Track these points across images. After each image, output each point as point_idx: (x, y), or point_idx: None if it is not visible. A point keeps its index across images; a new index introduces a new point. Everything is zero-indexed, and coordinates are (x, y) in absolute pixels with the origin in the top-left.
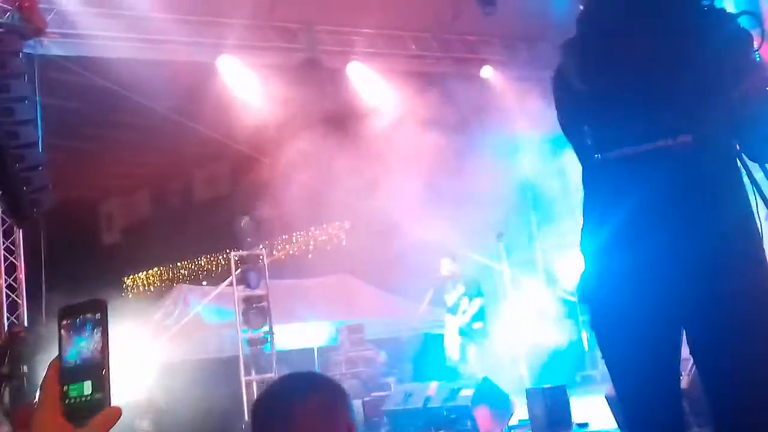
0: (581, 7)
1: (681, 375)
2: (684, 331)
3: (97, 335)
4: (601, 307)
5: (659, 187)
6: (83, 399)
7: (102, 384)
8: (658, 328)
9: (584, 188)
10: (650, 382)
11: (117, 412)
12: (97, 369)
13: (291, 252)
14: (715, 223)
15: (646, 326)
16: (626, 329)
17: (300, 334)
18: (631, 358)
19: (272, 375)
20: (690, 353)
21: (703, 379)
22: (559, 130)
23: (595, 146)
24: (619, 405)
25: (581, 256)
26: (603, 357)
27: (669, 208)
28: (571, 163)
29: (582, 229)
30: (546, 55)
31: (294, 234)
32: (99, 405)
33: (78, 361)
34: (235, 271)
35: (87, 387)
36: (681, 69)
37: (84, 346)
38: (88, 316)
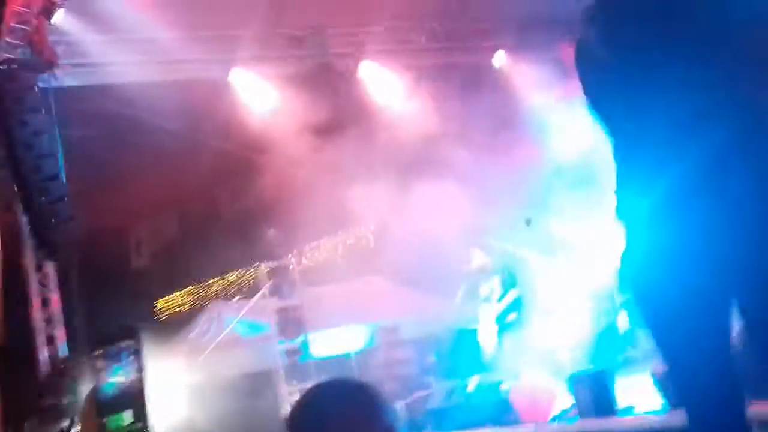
0: None
1: None
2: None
3: (134, 363)
4: (650, 281)
5: (706, 158)
6: (124, 430)
7: (142, 412)
8: (709, 299)
9: (616, 162)
10: (705, 353)
11: None
12: (136, 398)
13: (320, 259)
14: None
15: (697, 297)
16: (677, 302)
17: (336, 340)
18: (685, 334)
19: (311, 384)
20: (742, 325)
21: (756, 347)
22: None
23: (627, 115)
24: (669, 381)
25: (619, 231)
26: (654, 335)
27: (715, 180)
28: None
29: (618, 204)
30: (560, 36)
31: (321, 240)
32: None
33: (116, 392)
34: (267, 282)
35: (127, 417)
36: (720, 49)
37: (121, 375)
38: (122, 344)
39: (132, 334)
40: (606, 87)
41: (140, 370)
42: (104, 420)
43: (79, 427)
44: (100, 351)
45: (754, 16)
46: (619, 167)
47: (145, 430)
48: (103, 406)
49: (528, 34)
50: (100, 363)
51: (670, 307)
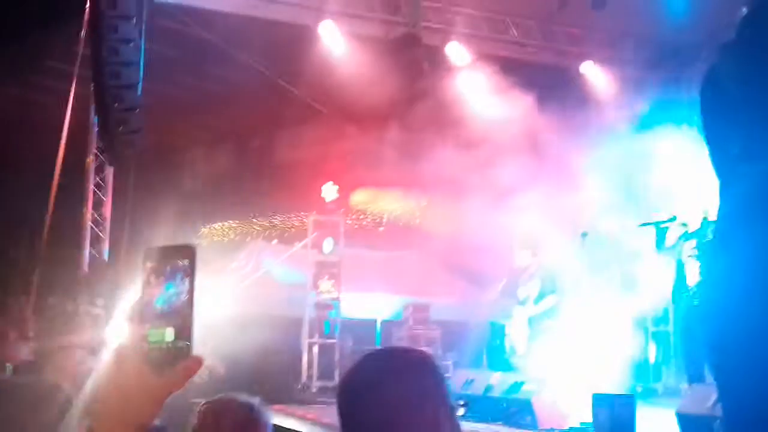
0: (744, 9)
1: None
2: None
3: (186, 283)
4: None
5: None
6: (163, 346)
7: (186, 332)
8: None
9: (721, 200)
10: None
11: (199, 362)
12: (182, 317)
13: (364, 222)
14: None
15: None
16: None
17: (366, 305)
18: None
19: (334, 340)
20: None
21: None
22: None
23: (742, 156)
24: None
25: (708, 265)
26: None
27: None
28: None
29: (714, 245)
30: (652, 56)
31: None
32: (181, 354)
33: (165, 307)
34: (312, 234)
35: (169, 334)
36: None
37: (172, 292)
38: (178, 262)
39: (189, 254)
40: (728, 123)
41: (191, 291)
42: (146, 332)
43: (127, 330)
44: (153, 264)
45: None
46: (720, 207)
47: (186, 348)
48: (148, 317)
49: (619, 49)
50: (152, 277)
51: (722, 348)
